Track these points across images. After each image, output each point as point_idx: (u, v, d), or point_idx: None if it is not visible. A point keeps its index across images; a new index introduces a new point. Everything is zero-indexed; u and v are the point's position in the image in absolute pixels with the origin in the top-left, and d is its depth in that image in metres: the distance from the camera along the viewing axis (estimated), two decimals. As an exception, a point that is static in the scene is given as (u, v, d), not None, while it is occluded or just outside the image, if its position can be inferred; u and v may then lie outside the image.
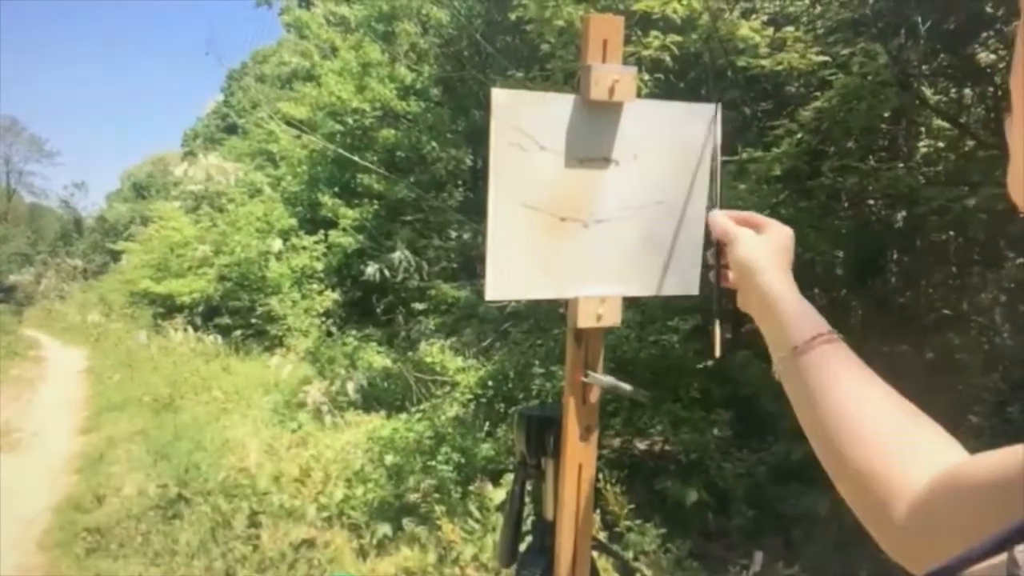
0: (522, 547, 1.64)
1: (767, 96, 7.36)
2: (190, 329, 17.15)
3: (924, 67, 6.10)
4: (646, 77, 6.44)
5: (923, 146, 6.47)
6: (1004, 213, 4.50)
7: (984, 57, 5.83)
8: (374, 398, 9.86)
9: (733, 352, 6.92)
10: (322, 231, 15.94)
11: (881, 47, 5.54)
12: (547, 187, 1.33)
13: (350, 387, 9.83)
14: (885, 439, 0.86)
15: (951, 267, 6.62)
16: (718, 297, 1.30)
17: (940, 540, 0.76)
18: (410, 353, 10.90)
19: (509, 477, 5.26)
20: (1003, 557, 0.52)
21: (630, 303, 1.49)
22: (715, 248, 1.28)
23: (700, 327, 7.65)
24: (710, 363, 6.49)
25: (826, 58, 5.74)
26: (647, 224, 1.43)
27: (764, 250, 1.16)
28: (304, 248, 15.96)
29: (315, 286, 15.86)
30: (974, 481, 0.75)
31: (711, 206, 1.34)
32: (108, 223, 47.68)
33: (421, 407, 8.38)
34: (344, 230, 15.19)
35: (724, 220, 1.24)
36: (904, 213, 6.65)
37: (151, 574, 6.24)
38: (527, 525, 1.66)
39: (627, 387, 1.40)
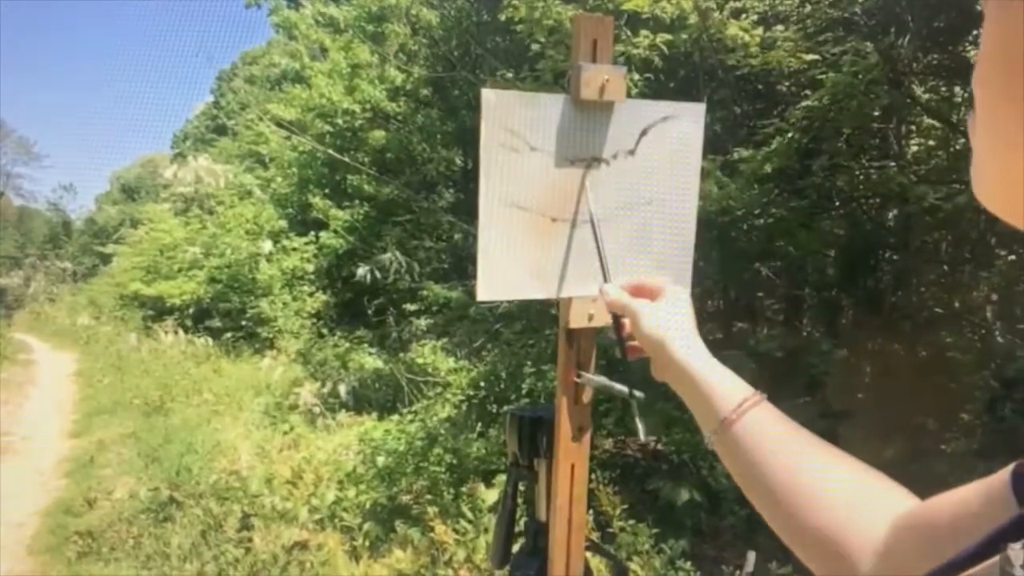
0: (515, 548, 1.63)
1: (758, 95, 7.37)
2: (180, 331, 17.12)
3: (914, 65, 6.11)
4: (636, 77, 6.44)
5: (914, 145, 6.48)
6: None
7: (975, 55, 5.82)
8: (365, 399, 9.86)
9: (722, 352, 6.93)
10: (312, 232, 15.93)
11: (871, 45, 5.55)
12: (538, 187, 1.33)
13: (341, 389, 9.83)
14: (835, 498, 0.85)
15: (942, 266, 6.63)
16: (629, 392, 1.32)
17: None
18: (401, 354, 10.90)
19: (501, 478, 5.25)
20: (995, 559, 0.52)
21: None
22: (614, 323, 1.28)
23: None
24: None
25: (816, 57, 5.75)
26: (637, 223, 1.42)
27: (669, 320, 1.14)
28: (294, 250, 15.95)
29: (306, 288, 15.85)
30: (933, 522, 0.76)
31: (603, 280, 1.32)
32: (97, 225, 47.58)
33: (413, 408, 8.38)
34: (335, 231, 15.16)
35: (618, 293, 1.23)
36: (895, 212, 6.66)
37: (142, 577, 6.24)
38: (520, 526, 1.65)
39: (619, 387, 1.40)
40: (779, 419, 0.95)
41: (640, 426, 1.37)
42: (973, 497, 0.73)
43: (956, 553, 0.64)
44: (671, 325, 1.13)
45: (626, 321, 1.24)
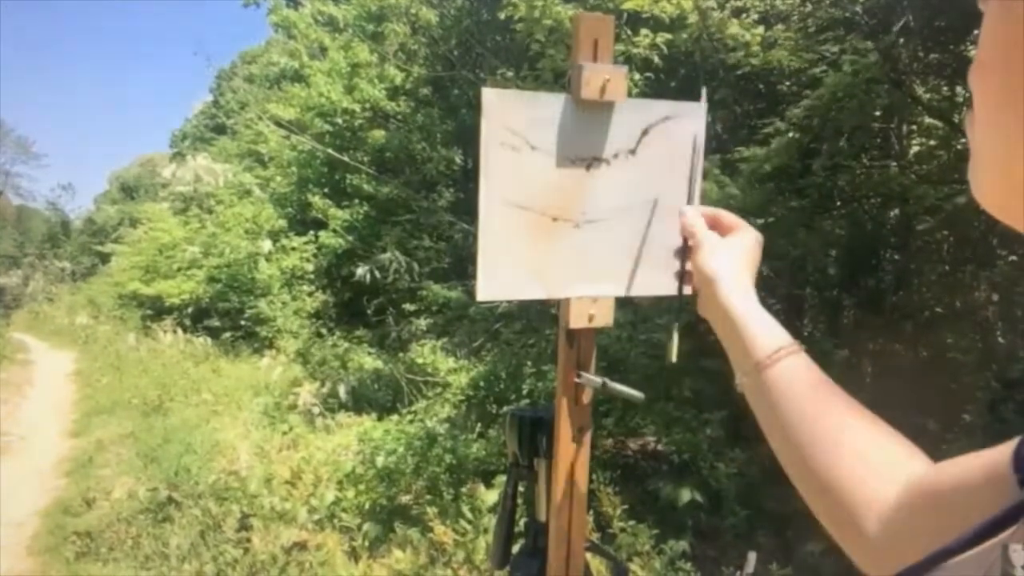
0: (515, 548, 1.62)
1: (759, 95, 7.36)
2: (179, 331, 17.13)
3: (915, 65, 6.11)
4: (636, 76, 6.44)
5: (915, 144, 6.48)
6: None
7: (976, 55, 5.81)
8: (365, 399, 9.85)
9: (723, 352, 6.92)
10: (312, 232, 15.94)
11: (872, 45, 5.55)
12: (538, 187, 1.32)
13: (341, 389, 9.82)
14: (852, 452, 0.86)
15: (944, 265, 6.63)
16: (680, 305, 1.32)
17: (908, 550, 0.75)
18: (401, 354, 10.90)
19: (501, 478, 5.24)
20: (982, 548, 0.53)
21: (622, 303, 1.49)
22: (682, 247, 1.28)
23: (692, 324, 7.65)
24: (703, 363, 6.49)
25: (816, 56, 5.75)
26: (639, 223, 1.41)
27: (726, 259, 1.14)
28: (294, 249, 15.96)
29: (305, 287, 15.86)
30: (938, 490, 0.77)
31: (688, 202, 1.33)
32: (96, 225, 47.60)
33: (412, 408, 8.38)
34: (334, 231, 15.17)
35: (693, 219, 1.23)
36: (896, 211, 6.66)
37: (141, 577, 6.23)
38: (520, 526, 1.65)
39: (620, 387, 1.39)
40: (812, 371, 0.96)
41: (675, 347, 1.37)
42: (977, 468, 0.73)
43: (953, 528, 0.65)
44: (726, 263, 1.13)
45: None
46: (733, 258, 1.14)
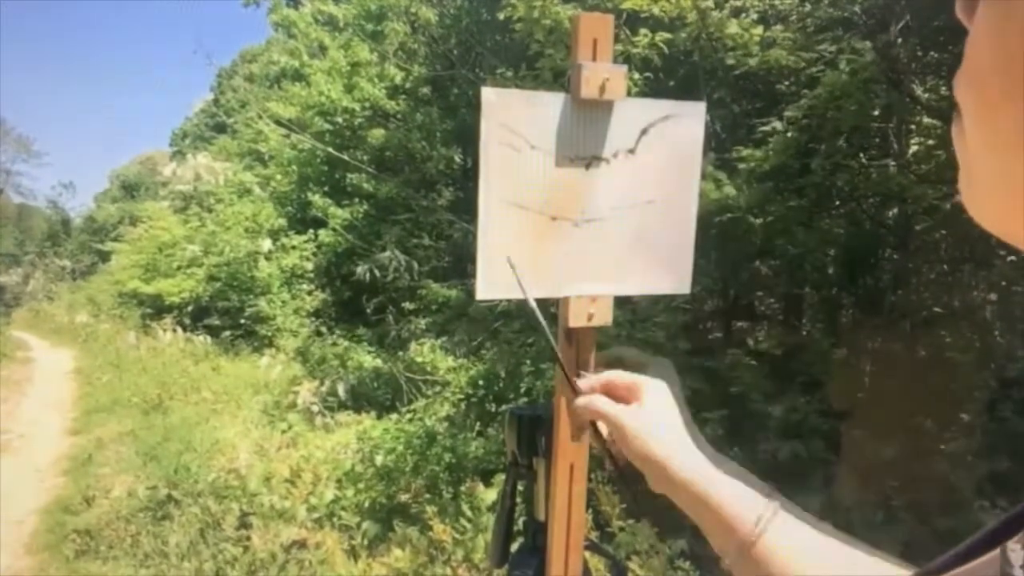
0: (513, 547, 1.63)
1: (757, 94, 7.37)
2: (179, 329, 17.12)
3: (914, 65, 6.11)
4: (635, 76, 6.44)
5: (914, 144, 6.48)
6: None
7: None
8: (364, 398, 9.86)
9: (723, 351, 6.93)
10: (312, 231, 15.93)
11: (870, 44, 5.55)
12: (538, 186, 1.33)
13: (340, 387, 9.82)
14: None
15: (943, 265, 6.64)
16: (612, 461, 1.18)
17: None
18: (400, 353, 10.89)
19: (500, 477, 5.25)
20: (995, 553, 0.52)
21: (620, 302, 1.49)
22: (594, 431, 1.19)
23: (689, 323, 7.66)
24: (702, 362, 6.50)
25: (814, 55, 5.75)
26: (638, 223, 1.42)
27: (660, 430, 1.02)
28: (294, 248, 15.95)
29: (305, 286, 15.85)
30: None
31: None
32: (96, 223, 47.57)
33: (412, 407, 8.38)
34: (334, 230, 15.16)
35: (590, 401, 1.11)
36: (895, 211, 6.66)
37: (140, 576, 6.24)
38: (518, 525, 1.65)
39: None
40: (800, 529, 0.91)
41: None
42: None
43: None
44: (664, 437, 1.01)
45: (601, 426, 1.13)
46: (665, 425, 1.03)
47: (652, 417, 1.03)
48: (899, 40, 5.91)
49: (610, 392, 1.09)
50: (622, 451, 1.07)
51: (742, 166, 6.09)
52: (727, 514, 0.91)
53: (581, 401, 1.11)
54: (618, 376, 1.10)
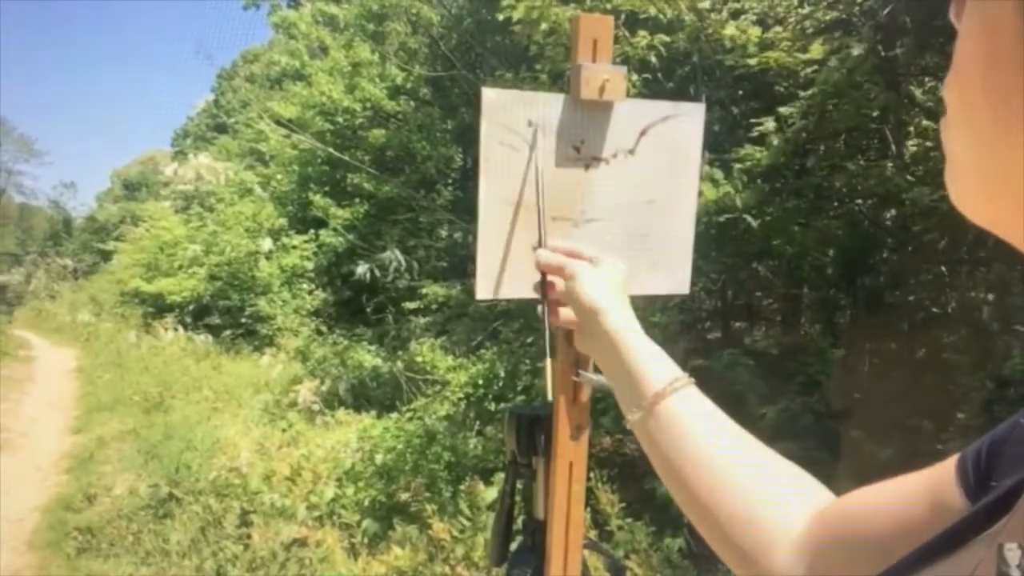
0: (513, 546, 1.64)
1: (755, 95, 7.37)
2: (180, 329, 17.10)
3: (911, 66, 6.12)
4: (634, 77, 6.45)
5: (912, 145, 6.48)
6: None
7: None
8: (364, 397, 9.87)
9: (720, 351, 6.93)
10: (312, 230, 15.92)
11: (867, 45, 5.55)
12: (537, 187, 1.34)
13: (340, 386, 9.84)
14: (752, 486, 0.84)
15: (940, 266, 6.64)
16: (548, 338, 1.24)
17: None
18: (400, 352, 10.90)
19: (500, 476, 5.26)
20: (991, 553, 0.53)
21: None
22: (542, 283, 1.25)
23: (687, 323, 7.66)
24: (699, 362, 6.50)
25: (810, 56, 5.75)
26: (637, 223, 1.43)
27: (606, 288, 1.10)
28: (294, 247, 15.94)
29: (305, 285, 15.85)
30: (850, 521, 0.76)
31: (537, 246, 1.28)
32: (98, 223, 47.50)
33: (412, 406, 8.39)
34: (334, 229, 15.17)
35: (552, 255, 1.20)
36: (893, 212, 6.67)
37: (142, 574, 6.25)
38: (518, 524, 1.66)
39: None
40: (704, 404, 0.93)
41: (549, 383, 1.38)
42: (895, 494, 0.73)
43: (870, 561, 0.66)
44: (609, 292, 1.09)
45: (556, 282, 1.21)
46: (612, 286, 1.11)
47: (601, 275, 1.12)
48: (897, 42, 5.91)
49: (574, 257, 1.18)
50: (565, 302, 1.18)
51: (739, 166, 6.09)
52: (643, 370, 0.96)
53: (544, 253, 1.21)
54: (584, 250, 1.21)
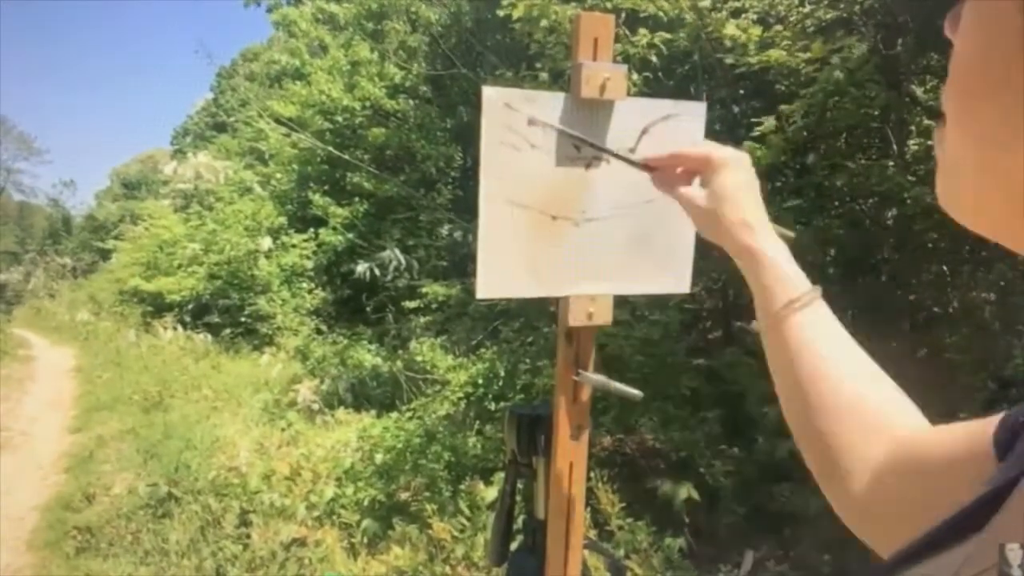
0: (513, 546, 1.63)
1: (756, 94, 7.36)
2: (180, 327, 17.10)
3: (913, 66, 6.11)
4: (635, 76, 6.44)
5: (913, 144, 6.48)
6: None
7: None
8: (364, 397, 9.86)
9: (722, 350, 6.92)
10: (312, 229, 15.93)
11: (868, 44, 5.55)
12: (538, 186, 1.33)
13: (340, 386, 9.83)
14: (849, 410, 0.86)
15: (941, 266, 6.63)
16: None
17: (891, 513, 0.78)
18: (400, 352, 10.90)
19: (500, 475, 5.25)
20: (993, 552, 0.53)
21: (619, 301, 1.49)
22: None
23: (690, 323, 7.65)
24: (700, 361, 6.50)
25: (811, 55, 5.75)
26: (638, 222, 1.43)
27: (752, 183, 1.12)
28: (294, 246, 15.95)
29: (305, 284, 15.85)
30: (924, 458, 0.77)
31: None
32: (97, 221, 47.54)
33: (411, 405, 8.38)
34: (334, 228, 15.18)
35: (706, 145, 1.17)
36: (894, 211, 6.66)
37: (141, 573, 6.24)
38: (518, 524, 1.66)
39: (618, 386, 1.40)
40: (829, 322, 0.96)
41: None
42: (962, 439, 0.75)
43: (937, 498, 0.68)
44: (754, 188, 1.11)
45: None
46: (754, 187, 1.12)
47: (748, 172, 1.13)
48: (898, 41, 5.91)
49: (682, 163, 1.18)
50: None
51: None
52: (779, 278, 1.01)
53: (656, 179, 1.21)
54: (689, 151, 1.17)
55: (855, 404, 0.86)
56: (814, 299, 0.97)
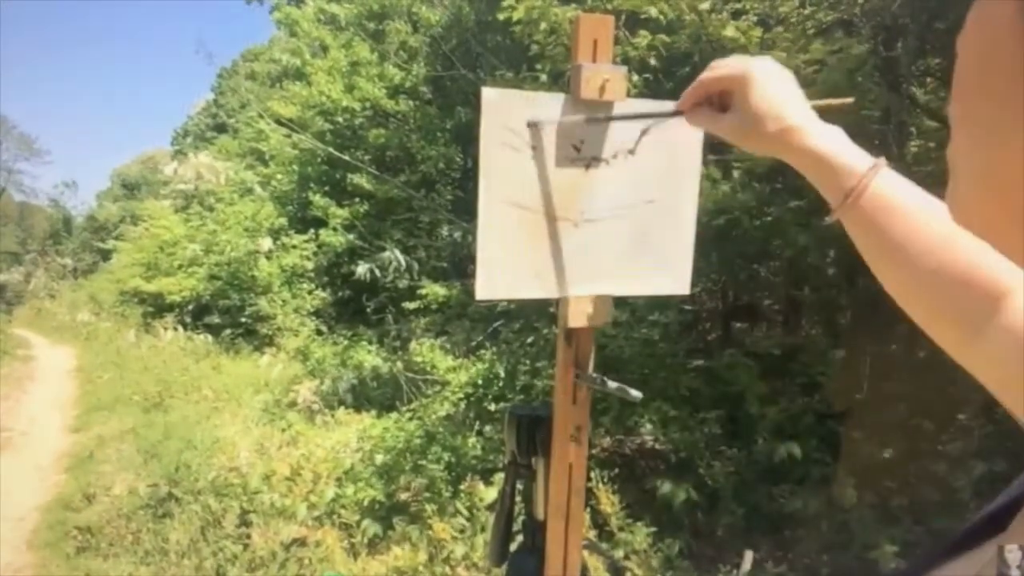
0: (513, 546, 1.64)
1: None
2: (180, 328, 17.12)
3: (913, 67, 6.12)
4: (635, 77, 6.45)
5: (914, 146, 6.48)
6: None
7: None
8: (364, 397, 9.86)
9: (721, 351, 6.92)
10: (312, 230, 15.93)
11: (868, 45, 5.55)
12: (538, 187, 1.33)
13: (340, 386, 9.83)
14: (971, 248, 0.80)
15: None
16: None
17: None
18: (400, 352, 10.90)
19: (500, 476, 5.26)
20: (992, 553, 0.53)
21: (619, 302, 1.48)
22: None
23: (687, 323, 7.65)
24: (699, 362, 6.50)
25: (810, 57, 5.75)
26: (637, 223, 1.43)
27: (789, 85, 1.05)
28: (294, 247, 15.95)
29: (305, 285, 15.85)
30: None
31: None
32: (98, 222, 47.51)
33: (411, 406, 8.38)
34: (334, 229, 15.17)
35: (723, 65, 1.10)
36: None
37: (141, 573, 6.24)
38: (518, 524, 1.66)
39: (617, 386, 1.40)
40: (903, 184, 0.93)
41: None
42: None
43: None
44: (786, 90, 1.04)
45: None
46: (791, 83, 1.06)
47: (780, 75, 1.06)
48: (898, 42, 5.92)
49: (708, 92, 1.11)
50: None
51: (739, 166, 6.09)
52: (840, 164, 0.94)
53: (688, 119, 1.16)
54: (710, 78, 1.11)
55: (977, 246, 0.81)
56: (883, 164, 0.93)
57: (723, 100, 1.11)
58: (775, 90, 1.03)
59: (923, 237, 0.85)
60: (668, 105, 1.39)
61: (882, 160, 0.93)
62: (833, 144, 0.97)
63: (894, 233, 0.88)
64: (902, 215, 0.88)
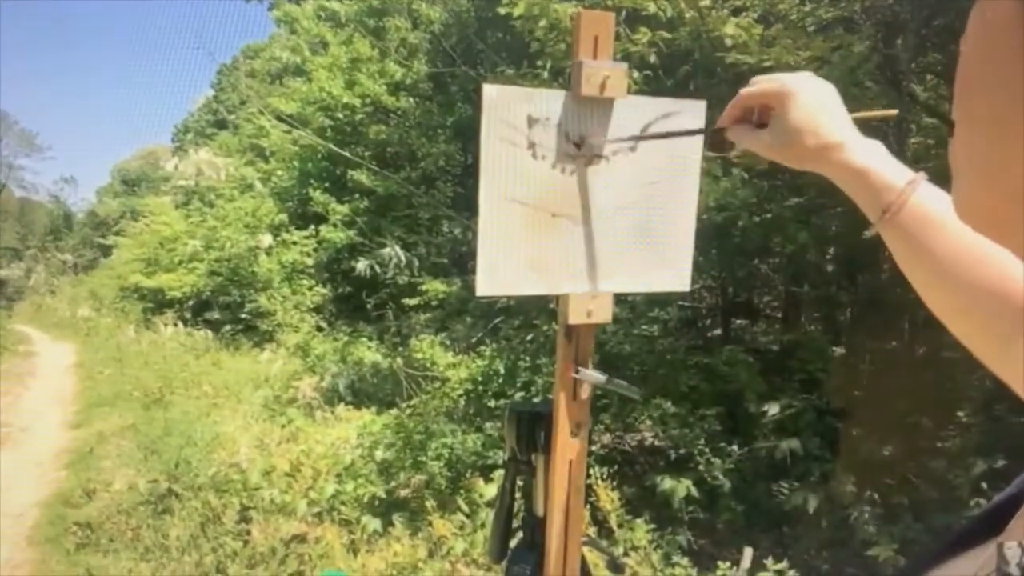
0: (513, 542, 1.64)
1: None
2: (180, 324, 17.11)
3: (913, 64, 6.11)
4: (635, 74, 6.45)
5: (914, 143, 6.48)
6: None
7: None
8: (364, 393, 9.86)
9: (721, 348, 6.92)
10: (312, 226, 15.90)
11: (868, 43, 5.55)
12: (538, 183, 1.34)
13: (340, 382, 9.83)
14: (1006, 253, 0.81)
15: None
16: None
17: None
18: (400, 349, 10.90)
19: (500, 472, 5.26)
20: (992, 551, 0.53)
21: (619, 299, 1.48)
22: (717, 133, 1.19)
23: (687, 319, 7.65)
24: (699, 359, 6.50)
25: (811, 54, 5.75)
26: (638, 220, 1.43)
27: (829, 98, 1.06)
28: (294, 243, 15.93)
29: (305, 281, 15.83)
30: None
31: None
32: (98, 218, 47.47)
33: (411, 402, 8.37)
34: (335, 225, 15.15)
35: (763, 81, 1.12)
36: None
37: (141, 569, 6.24)
38: (517, 521, 1.66)
39: (617, 383, 1.41)
40: (942, 198, 0.90)
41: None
42: None
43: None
44: (827, 104, 1.05)
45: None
46: (832, 96, 1.07)
47: (821, 88, 1.07)
48: (899, 40, 5.91)
49: (752, 102, 1.12)
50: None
51: (739, 162, 6.09)
52: (878, 180, 0.96)
53: (728, 135, 1.15)
54: (750, 94, 1.12)
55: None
56: (922, 179, 0.93)
57: (762, 116, 1.12)
58: (815, 105, 1.04)
59: (959, 250, 0.85)
60: (667, 104, 1.40)
61: (921, 175, 0.94)
62: (872, 159, 0.98)
63: (932, 247, 0.88)
64: (939, 229, 0.88)
